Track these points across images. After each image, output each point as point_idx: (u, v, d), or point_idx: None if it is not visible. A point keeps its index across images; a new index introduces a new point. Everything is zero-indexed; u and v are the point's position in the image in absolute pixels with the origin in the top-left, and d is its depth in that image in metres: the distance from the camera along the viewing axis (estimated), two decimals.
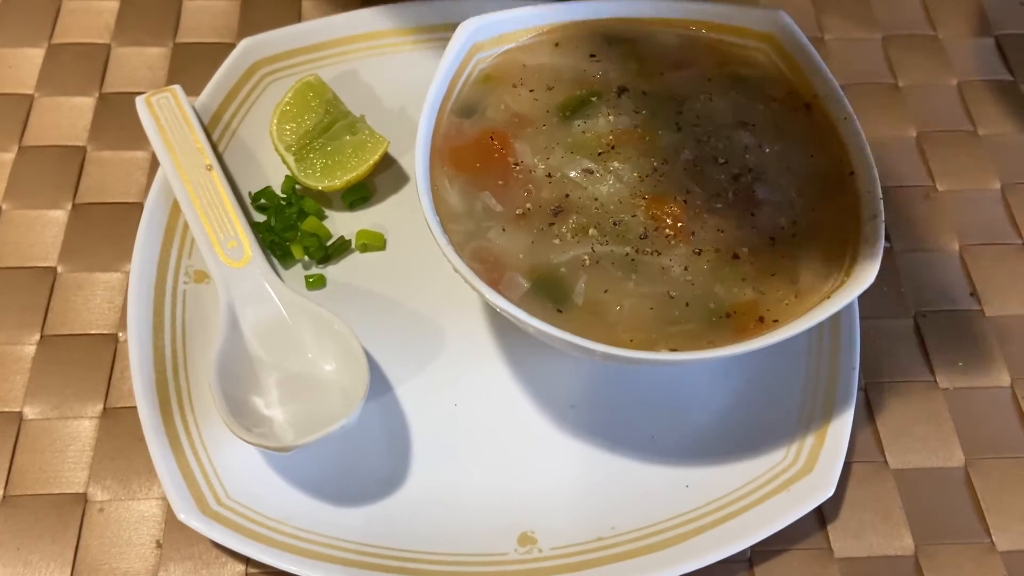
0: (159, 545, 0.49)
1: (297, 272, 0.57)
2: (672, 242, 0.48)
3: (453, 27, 0.53)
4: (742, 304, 0.46)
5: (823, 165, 0.51)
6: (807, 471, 0.50)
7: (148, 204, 0.57)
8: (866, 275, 0.45)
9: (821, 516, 0.51)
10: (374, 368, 0.54)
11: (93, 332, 0.56)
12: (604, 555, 0.48)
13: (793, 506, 0.49)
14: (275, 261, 0.57)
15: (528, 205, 0.49)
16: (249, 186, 0.60)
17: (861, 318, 0.55)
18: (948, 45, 0.71)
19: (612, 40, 0.55)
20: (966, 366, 0.56)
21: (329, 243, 0.58)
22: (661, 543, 0.48)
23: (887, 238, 0.61)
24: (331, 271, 0.58)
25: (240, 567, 0.49)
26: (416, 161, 0.48)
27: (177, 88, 0.61)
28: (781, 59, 0.54)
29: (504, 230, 0.48)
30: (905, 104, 0.68)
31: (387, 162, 0.62)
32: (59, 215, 0.60)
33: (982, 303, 0.59)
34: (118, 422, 0.53)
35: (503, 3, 0.66)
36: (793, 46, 0.53)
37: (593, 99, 0.53)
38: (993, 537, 0.51)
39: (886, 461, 0.53)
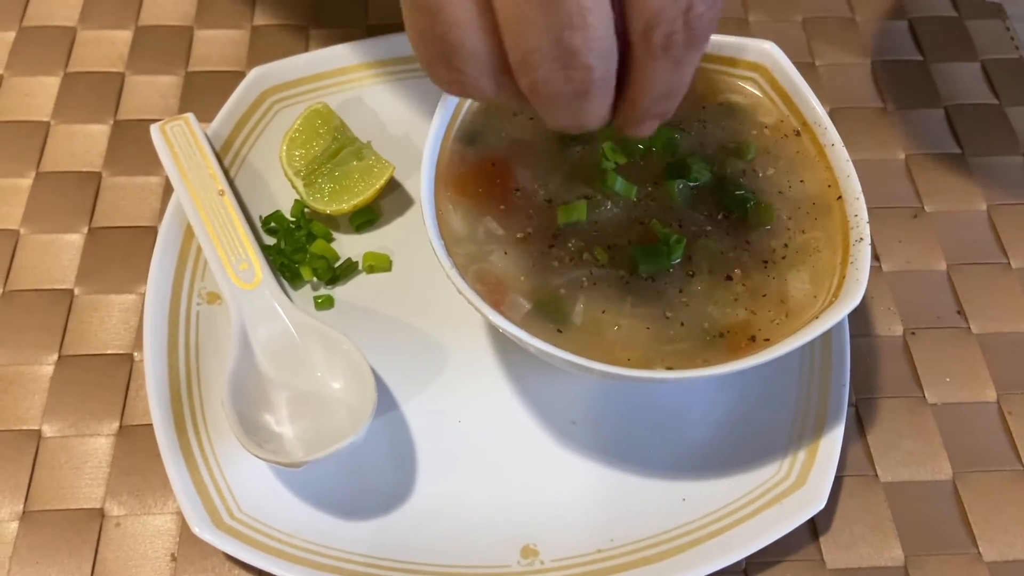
0: (174, 558, 0.51)
1: (306, 293, 0.59)
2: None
3: None
4: (735, 324, 0.48)
5: (813, 190, 0.53)
6: (799, 485, 0.52)
7: (162, 228, 0.59)
8: (853, 296, 0.46)
9: (813, 528, 0.53)
10: (381, 386, 0.56)
11: (109, 352, 0.58)
12: (604, 567, 0.50)
13: (786, 519, 0.51)
14: (285, 283, 0.59)
15: (529, 229, 0.51)
16: (259, 210, 0.62)
17: (852, 336, 0.57)
18: (935, 70, 0.73)
19: None
20: (954, 382, 0.58)
21: (337, 265, 0.60)
22: (658, 555, 0.50)
23: (876, 257, 0.63)
24: (339, 292, 0.60)
25: None
26: (421, 187, 0.50)
27: (190, 116, 0.63)
28: (772, 88, 0.56)
29: (506, 253, 0.50)
30: (894, 127, 0.70)
31: (392, 186, 0.64)
32: (75, 239, 0.62)
33: (969, 321, 0.61)
34: (134, 439, 0.55)
35: None
36: (782, 76, 0.55)
37: None
38: (980, 548, 0.52)
39: (876, 474, 0.55)
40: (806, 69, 0.72)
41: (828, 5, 0.77)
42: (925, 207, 0.66)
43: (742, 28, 0.75)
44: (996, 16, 0.77)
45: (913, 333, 0.60)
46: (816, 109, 0.54)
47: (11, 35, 0.72)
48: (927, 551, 0.52)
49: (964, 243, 0.64)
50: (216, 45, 0.72)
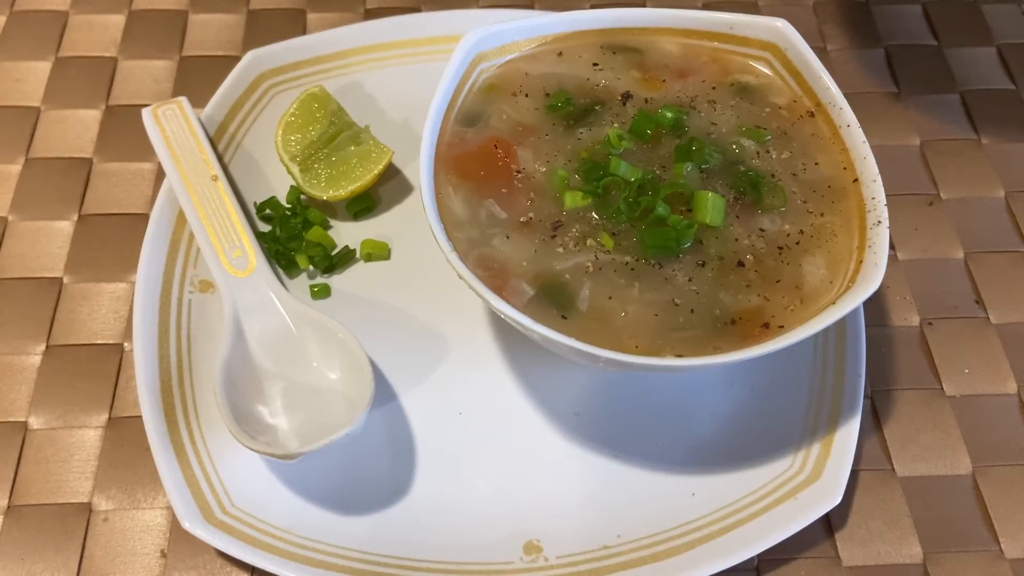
0: (164, 555, 0.49)
1: (302, 281, 0.58)
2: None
3: (457, 38, 0.53)
4: (747, 310, 0.46)
5: (828, 172, 0.51)
6: (814, 479, 0.50)
7: (154, 215, 0.57)
8: (871, 281, 0.45)
9: (828, 524, 0.51)
10: (378, 376, 0.54)
11: (99, 342, 0.56)
12: (610, 563, 0.48)
13: (800, 514, 0.49)
14: (280, 271, 0.57)
15: (531, 213, 0.49)
16: (254, 196, 0.60)
17: (867, 326, 0.55)
18: (950, 55, 0.71)
19: (615, 49, 0.56)
20: (972, 373, 0.56)
21: (334, 253, 0.58)
22: (667, 551, 0.48)
23: (892, 246, 0.61)
24: (336, 280, 0.58)
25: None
26: (421, 169, 0.48)
27: (183, 100, 0.62)
28: (784, 68, 0.54)
29: (508, 237, 0.48)
30: (908, 113, 0.68)
31: (391, 172, 0.62)
32: (65, 226, 0.60)
33: (987, 310, 0.59)
34: (123, 431, 0.53)
35: (506, 14, 0.67)
36: (795, 55, 0.53)
37: (596, 108, 0.53)
38: (1002, 544, 0.51)
39: (893, 469, 0.53)
40: (818, 54, 0.69)
41: None
42: (941, 194, 0.64)
43: (752, 12, 0.72)
44: (1012, 0, 0.75)
45: (930, 323, 0.58)
46: (831, 89, 0.52)
47: (2, 19, 0.71)
48: (946, 548, 0.50)
49: (982, 231, 0.62)
50: (211, 29, 0.71)
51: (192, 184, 0.58)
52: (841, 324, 0.54)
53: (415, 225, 0.58)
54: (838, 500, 0.49)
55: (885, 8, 0.74)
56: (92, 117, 0.66)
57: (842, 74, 0.70)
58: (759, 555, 0.49)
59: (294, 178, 0.59)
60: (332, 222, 0.60)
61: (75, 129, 0.65)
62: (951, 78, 0.70)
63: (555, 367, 0.54)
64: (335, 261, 0.58)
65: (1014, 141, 0.67)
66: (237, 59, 0.66)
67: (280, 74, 0.64)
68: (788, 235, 0.49)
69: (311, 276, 0.58)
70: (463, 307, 0.56)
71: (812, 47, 0.54)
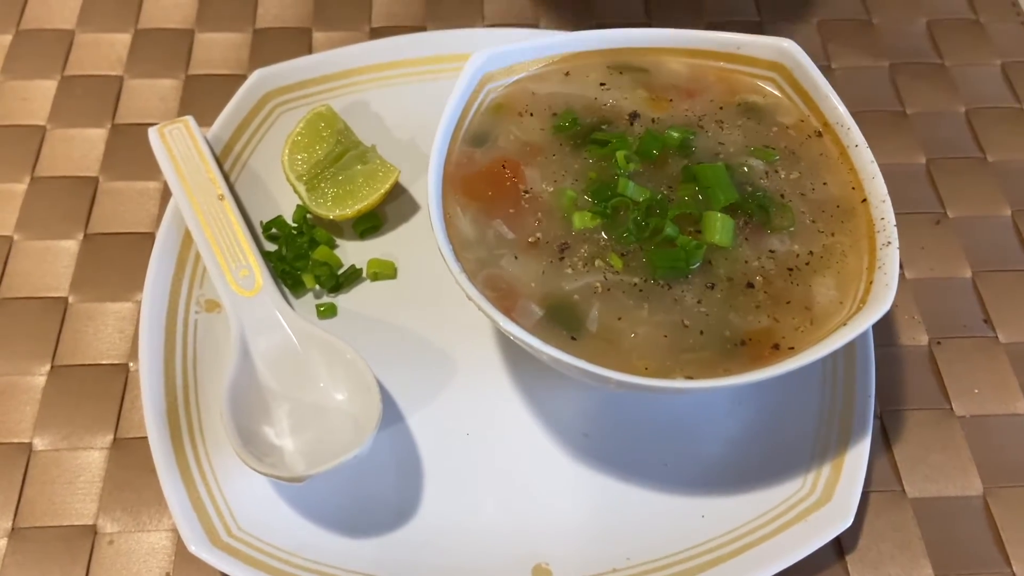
0: None
1: (308, 301, 0.57)
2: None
3: (464, 58, 0.53)
4: (757, 332, 0.46)
5: (836, 192, 0.51)
6: (824, 501, 0.49)
7: (160, 234, 0.57)
8: (882, 302, 0.44)
9: (839, 547, 0.51)
10: (386, 397, 0.53)
11: (104, 362, 0.56)
12: None
13: (811, 537, 0.48)
14: (286, 290, 0.57)
15: (539, 234, 0.49)
16: (261, 215, 0.60)
17: (875, 345, 0.55)
18: (955, 72, 0.71)
19: (622, 69, 0.56)
20: (982, 393, 0.56)
21: (340, 272, 0.58)
22: (677, 574, 0.48)
23: (899, 264, 0.61)
24: (342, 300, 0.57)
25: None
26: (429, 190, 0.48)
27: (189, 119, 0.62)
28: (791, 88, 0.54)
29: (516, 258, 0.48)
30: (913, 131, 0.68)
31: (397, 191, 0.62)
32: (71, 245, 0.60)
33: (996, 330, 0.59)
34: (128, 453, 0.52)
35: (512, 32, 0.67)
36: (802, 75, 0.53)
37: (603, 127, 0.53)
38: (1013, 566, 0.50)
39: (904, 490, 0.53)
40: (823, 72, 0.69)
41: (844, 7, 0.75)
42: (948, 212, 0.64)
43: (755, 31, 0.73)
44: (1015, 18, 0.75)
45: (939, 343, 0.58)
46: (838, 109, 0.52)
47: (8, 38, 0.71)
48: (958, 570, 0.50)
49: (989, 249, 0.62)
50: (217, 48, 0.71)
51: (198, 203, 0.58)
52: (850, 344, 0.54)
53: (422, 244, 0.58)
54: (849, 522, 0.48)
55: (890, 26, 0.74)
56: (98, 136, 0.66)
57: (847, 92, 0.69)
58: None
59: (300, 197, 0.59)
60: (338, 241, 0.60)
61: (81, 148, 0.65)
62: (957, 96, 0.70)
63: (563, 387, 0.54)
64: (341, 280, 0.58)
65: (1020, 159, 0.67)
66: (243, 78, 0.66)
67: (286, 93, 0.64)
68: (798, 256, 0.48)
69: (317, 295, 0.58)
70: (471, 326, 0.56)
71: (817, 66, 0.54)
